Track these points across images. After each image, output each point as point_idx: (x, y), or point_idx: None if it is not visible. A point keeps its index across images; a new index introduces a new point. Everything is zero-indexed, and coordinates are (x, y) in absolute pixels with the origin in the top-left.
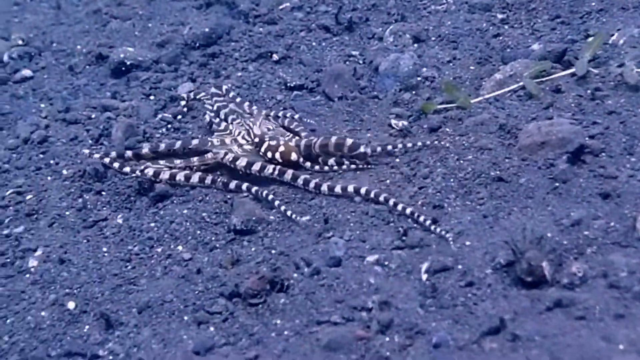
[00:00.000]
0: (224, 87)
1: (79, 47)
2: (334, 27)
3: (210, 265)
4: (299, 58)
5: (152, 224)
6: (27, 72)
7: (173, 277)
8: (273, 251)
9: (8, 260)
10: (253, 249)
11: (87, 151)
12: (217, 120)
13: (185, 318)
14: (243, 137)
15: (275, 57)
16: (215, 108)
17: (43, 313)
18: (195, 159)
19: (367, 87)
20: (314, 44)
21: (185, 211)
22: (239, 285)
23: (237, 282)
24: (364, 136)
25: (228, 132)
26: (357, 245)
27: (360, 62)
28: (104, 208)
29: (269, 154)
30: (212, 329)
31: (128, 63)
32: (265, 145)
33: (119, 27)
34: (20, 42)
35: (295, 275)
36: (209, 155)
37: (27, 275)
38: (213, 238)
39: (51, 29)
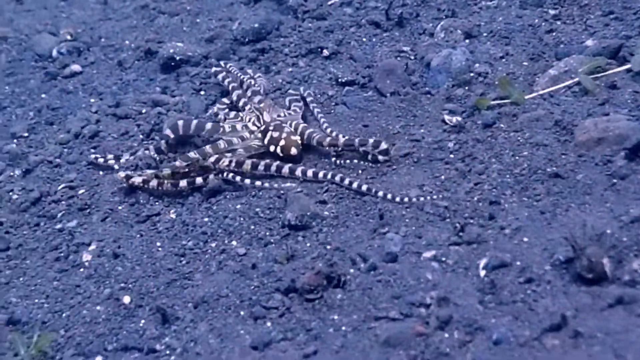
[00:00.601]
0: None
1: (127, 42)
2: (384, 23)
3: (265, 260)
4: (349, 54)
5: (206, 219)
6: (76, 67)
7: (228, 272)
8: (328, 246)
9: (62, 254)
10: (308, 245)
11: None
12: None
13: (242, 313)
14: (254, 123)
15: (325, 52)
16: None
17: (98, 307)
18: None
19: (419, 83)
20: (364, 39)
21: (238, 206)
22: (295, 281)
23: (293, 278)
24: (417, 132)
25: (239, 118)
26: (413, 241)
27: (412, 57)
28: (157, 203)
29: (272, 147)
30: (269, 324)
31: (177, 58)
32: (268, 136)
33: (167, 23)
34: (68, 37)
35: (351, 270)
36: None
37: (82, 270)
38: (267, 233)
39: (99, 24)
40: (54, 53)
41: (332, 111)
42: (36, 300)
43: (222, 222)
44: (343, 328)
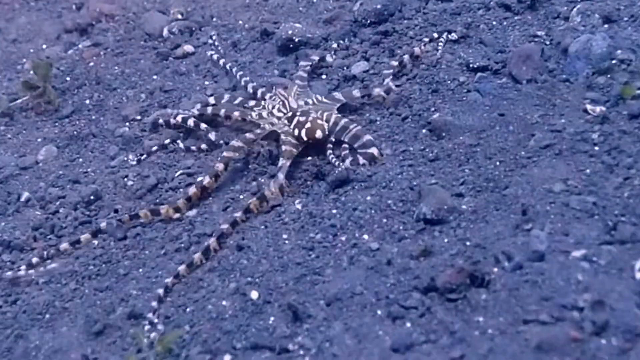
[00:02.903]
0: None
1: (241, 22)
2: (515, 6)
3: (400, 256)
4: (479, 38)
5: (334, 211)
6: (188, 48)
7: (361, 267)
8: (468, 243)
9: (182, 245)
10: (446, 240)
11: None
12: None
13: (379, 312)
14: (279, 110)
15: (454, 36)
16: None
17: (224, 302)
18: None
19: (556, 70)
20: (494, 22)
21: (368, 198)
22: (434, 279)
23: (432, 275)
24: (557, 122)
25: (262, 106)
26: (560, 239)
27: (547, 43)
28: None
29: (296, 131)
30: (408, 324)
31: (296, 40)
32: (295, 120)
33: (282, 2)
34: (179, 16)
35: (495, 269)
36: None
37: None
38: (401, 227)
39: (210, 2)
40: (165, 32)
41: (465, 98)
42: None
43: (351, 215)
44: (490, 331)
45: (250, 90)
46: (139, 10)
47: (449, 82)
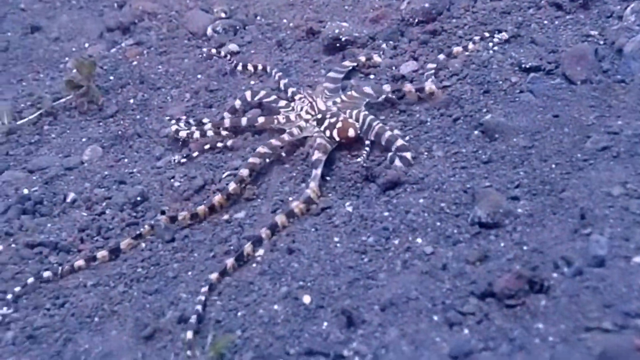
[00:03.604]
0: None
1: (285, 20)
2: (566, 5)
3: (455, 260)
4: (530, 37)
5: (386, 214)
6: (233, 47)
7: (415, 272)
8: (525, 247)
9: (232, 247)
10: (502, 244)
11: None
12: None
13: (435, 318)
14: (307, 112)
15: (505, 35)
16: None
17: (276, 306)
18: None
19: (610, 70)
20: (545, 22)
21: (421, 200)
22: (492, 284)
23: (489, 281)
24: (614, 124)
25: (290, 108)
26: (620, 244)
27: (601, 42)
28: (330, 194)
29: (328, 132)
30: (466, 331)
31: (343, 39)
32: (325, 122)
33: (327, 1)
34: (223, 15)
35: (554, 275)
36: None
37: (254, 265)
38: (455, 231)
39: (253, 1)
40: (209, 31)
41: (517, 99)
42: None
43: (404, 217)
44: (550, 338)
45: (282, 88)
46: (182, 8)
47: (500, 82)
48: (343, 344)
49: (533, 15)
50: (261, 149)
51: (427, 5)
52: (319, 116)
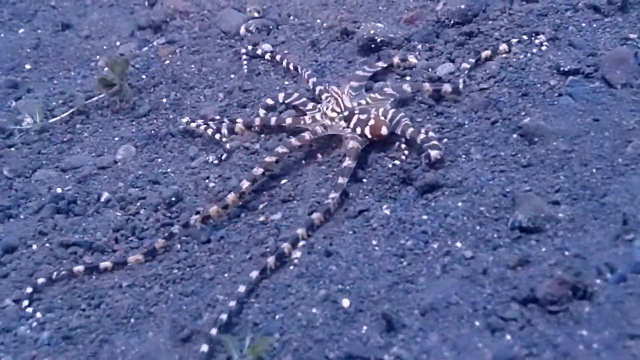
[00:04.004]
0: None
1: (319, 21)
2: (604, 7)
3: (496, 265)
4: (568, 40)
5: (424, 217)
6: (266, 47)
7: (455, 276)
8: (566, 253)
9: (268, 249)
10: (543, 250)
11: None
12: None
13: (477, 323)
14: (332, 110)
15: (542, 38)
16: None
17: (314, 310)
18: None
19: None
20: (583, 24)
21: (460, 204)
22: (534, 290)
23: (531, 286)
24: None
25: (317, 110)
26: None
27: None
28: (367, 197)
29: (358, 129)
30: (508, 337)
31: (378, 40)
32: (354, 119)
33: (361, 1)
34: (255, 14)
35: (597, 281)
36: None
37: (291, 267)
38: (495, 235)
39: (286, 0)
40: (242, 31)
41: (556, 102)
42: (245, 299)
43: (443, 221)
44: (595, 346)
45: (311, 86)
46: (214, 7)
47: (538, 85)
48: (383, 348)
49: (570, 18)
50: (279, 149)
51: (463, 6)
52: (346, 113)
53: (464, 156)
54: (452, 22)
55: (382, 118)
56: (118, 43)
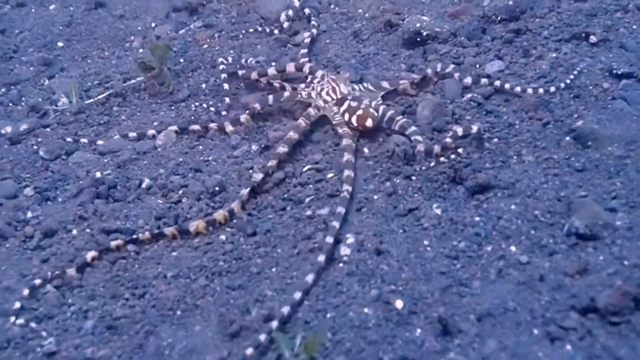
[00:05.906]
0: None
1: (360, 10)
2: None
3: (553, 272)
4: (619, 42)
5: (477, 218)
6: (307, 35)
7: (511, 281)
8: (625, 262)
9: (316, 245)
10: (601, 258)
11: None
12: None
13: (535, 331)
14: (328, 94)
15: (593, 39)
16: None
17: (366, 310)
18: None
19: None
20: (634, 27)
21: (513, 207)
22: (594, 299)
23: (592, 296)
24: None
25: (312, 88)
26: None
27: None
28: (416, 195)
29: (347, 115)
30: (568, 347)
31: (424, 34)
32: (345, 104)
33: None
34: (296, 2)
35: None
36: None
37: (341, 265)
38: (551, 240)
39: None
40: (282, 18)
41: (609, 106)
42: (295, 296)
43: (496, 224)
44: None
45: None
46: None
47: (591, 87)
48: (440, 353)
49: (621, 19)
50: (292, 134)
51: (510, 2)
52: (340, 96)
53: (515, 157)
54: (499, 18)
55: (372, 110)
56: (153, 24)
